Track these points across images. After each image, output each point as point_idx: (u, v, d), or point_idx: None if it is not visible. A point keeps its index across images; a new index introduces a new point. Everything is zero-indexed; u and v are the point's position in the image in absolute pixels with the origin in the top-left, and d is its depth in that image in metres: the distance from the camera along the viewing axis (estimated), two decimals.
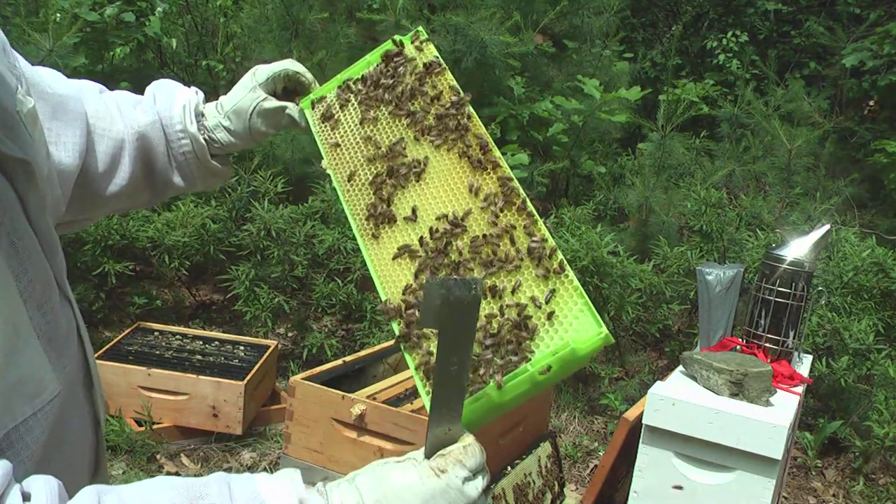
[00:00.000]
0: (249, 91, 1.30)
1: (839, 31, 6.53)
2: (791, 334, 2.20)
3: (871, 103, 7.01)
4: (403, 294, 1.05)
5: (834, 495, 3.49)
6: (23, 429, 0.74)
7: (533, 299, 0.97)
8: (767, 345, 2.20)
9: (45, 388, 0.80)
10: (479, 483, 0.80)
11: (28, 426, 0.76)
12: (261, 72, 1.32)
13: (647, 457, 1.95)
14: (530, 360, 0.92)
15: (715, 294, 2.32)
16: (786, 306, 2.18)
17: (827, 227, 2.32)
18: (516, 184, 1.07)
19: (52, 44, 3.87)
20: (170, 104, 1.26)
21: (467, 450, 0.80)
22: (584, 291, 0.95)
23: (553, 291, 0.96)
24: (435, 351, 0.93)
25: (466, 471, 0.79)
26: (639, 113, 5.31)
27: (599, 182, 5.02)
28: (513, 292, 0.98)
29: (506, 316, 0.97)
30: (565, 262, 0.98)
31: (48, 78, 1.10)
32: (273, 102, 1.31)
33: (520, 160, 4.23)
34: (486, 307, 0.99)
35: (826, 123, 5.49)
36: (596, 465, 3.46)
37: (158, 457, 3.06)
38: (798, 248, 2.22)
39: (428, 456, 0.80)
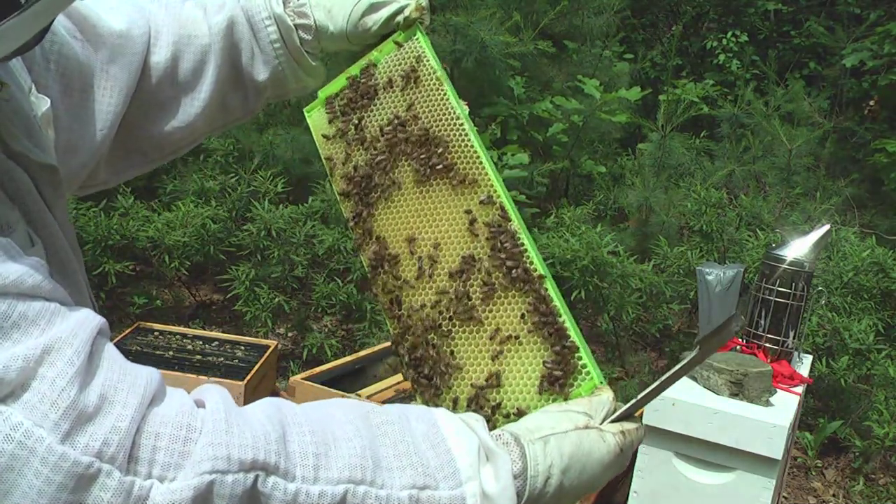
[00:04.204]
0: None
1: (839, 31, 6.53)
2: (791, 334, 2.20)
3: (871, 103, 7.01)
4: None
5: (834, 495, 3.49)
6: None
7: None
8: (767, 345, 2.20)
9: None
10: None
11: None
12: None
13: (647, 457, 1.95)
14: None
15: (715, 294, 2.32)
16: (786, 306, 2.18)
17: (827, 227, 2.31)
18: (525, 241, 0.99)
19: None
20: None
21: (639, 432, 0.85)
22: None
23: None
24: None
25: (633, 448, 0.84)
26: (639, 113, 5.30)
27: (599, 182, 5.01)
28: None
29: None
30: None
31: (106, 14, 1.06)
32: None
33: (520, 160, 4.23)
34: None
35: (826, 123, 5.49)
36: None
37: None
38: (798, 248, 2.22)
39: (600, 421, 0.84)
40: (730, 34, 7.77)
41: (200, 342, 3.51)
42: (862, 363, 3.56)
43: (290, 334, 4.20)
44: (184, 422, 0.62)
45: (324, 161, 1.18)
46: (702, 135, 5.84)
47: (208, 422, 0.63)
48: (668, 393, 1.91)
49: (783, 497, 3.35)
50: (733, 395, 1.94)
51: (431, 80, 1.09)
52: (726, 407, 1.86)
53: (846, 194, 5.30)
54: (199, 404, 0.67)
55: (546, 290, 0.94)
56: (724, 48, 7.72)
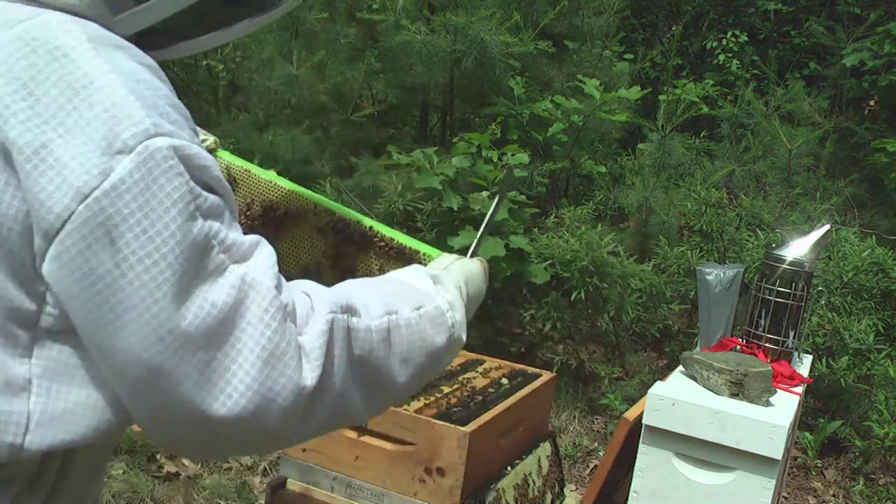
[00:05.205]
0: None
1: (839, 31, 6.53)
2: (791, 334, 2.20)
3: (872, 103, 7.01)
4: None
5: (834, 495, 3.49)
6: None
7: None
8: (767, 345, 2.20)
9: None
10: None
11: None
12: None
13: (647, 457, 1.95)
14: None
15: (715, 294, 2.32)
16: (786, 306, 2.18)
17: (827, 227, 2.31)
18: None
19: None
20: None
21: (484, 262, 1.19)
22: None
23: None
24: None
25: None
26: (639, 113, 5.30)
27: (599, 182, 5.01)
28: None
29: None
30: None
31: None
32: None
33: (520, 160, 4.23)
34: None
35: (826, 123, 5.48)
36: (596, 465, 3.46)
37: (158, 457, 3.06)
38: (798, 248, 2.22)
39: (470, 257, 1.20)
40: (730, 34, 7.77)
41: None
42: (862, 363, 3.56)
43: None
44: (303, 297, 0.87)
45: None
46: (702, 135, 5.84)
47: (313, 293, 0.88)
48: (668, 393, 1.91)
49: (783, 497, 3.35)
50: (733, 395, 1.94)
51: (241, 172, 1.40)
52: (726, 407, 1.87)
53: (846, 194, 5.30)
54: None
55: (377, 231, 1.28)
56: (724, 48, 7.72)
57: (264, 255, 0.84)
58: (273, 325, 0.79)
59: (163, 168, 0.75)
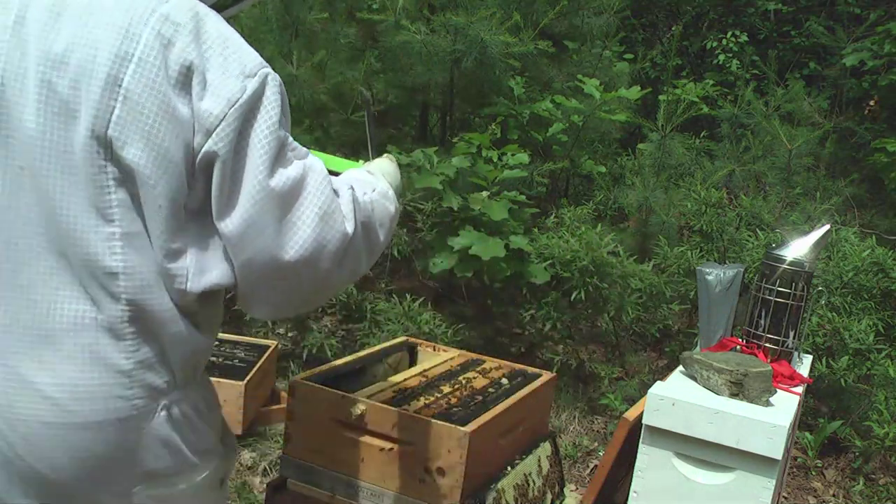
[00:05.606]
0: None
1: (839, 31, 6.52)
2: (791, 334, 2.20)
3: (871, 103, 7.01)
4: None
5: (834, 495, 3.49)
6: None
7: None
8: (767, 345, 2.20)
9: None
10: None
11: None
12: None
13: (647, 457, 1.95)
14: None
15: (715, 294, 2.32)
16: (786, 306, 2.18)
17: (827, 227, 2.31)
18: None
19: None
20: None
21: (391, 158, 1.52)
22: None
23: None
24: None
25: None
26: (639, 113, 5.30)
27: (599, 182, 5.01)
28: None
29: None
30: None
31: None
32: None
33: (520, 160, 4.23)
34: None
35: (826, 123, 5.48)
36: (596, 465, 3.46)
37: None
38: (798, 248, 2.22)
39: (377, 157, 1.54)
40: (730, 34, 7.77)
41: None
42: (862, 363, 3.56)
43: (290, 334, 4.20)
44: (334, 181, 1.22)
45: None
46: (702, 135, 5.84)
47: (336, 181, 1.23)
48: (668, 393, 1.91)
49: (783, 497, 3.35)
50: (733, 395, 1.94)
51: None
52: (726, 407, 1.87)
53: (846, 194, 5.30)
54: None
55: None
56: (724, 48, 7.71)
57: (316, 158, 1.19)
58: (326, 191, 1.15)
59: (271, 87, 1.13)
